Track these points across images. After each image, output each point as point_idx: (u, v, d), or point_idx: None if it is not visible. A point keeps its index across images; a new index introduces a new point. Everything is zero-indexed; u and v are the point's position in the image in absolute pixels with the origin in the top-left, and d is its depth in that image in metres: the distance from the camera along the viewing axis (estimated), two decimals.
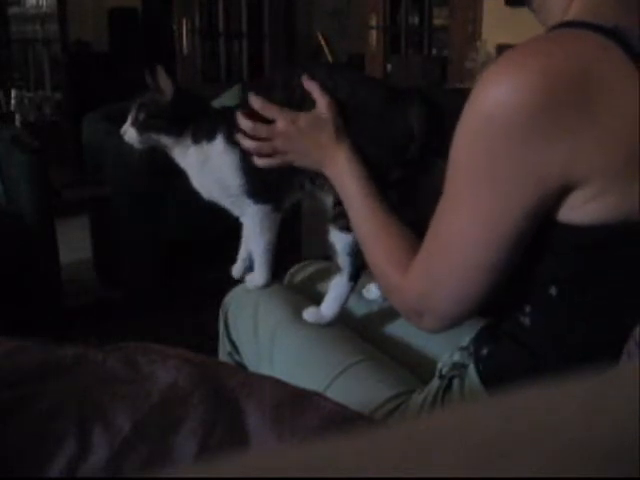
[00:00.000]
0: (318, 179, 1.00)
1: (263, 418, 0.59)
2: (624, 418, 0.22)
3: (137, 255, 2.56)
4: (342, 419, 0.60)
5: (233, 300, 1.16)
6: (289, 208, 1.11)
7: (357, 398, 0.90)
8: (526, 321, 0.78)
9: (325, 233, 1.03)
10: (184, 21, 4.65)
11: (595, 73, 0.64)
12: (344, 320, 1.06)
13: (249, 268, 1.15)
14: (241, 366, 1.14)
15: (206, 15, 5.02)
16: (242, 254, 1.16)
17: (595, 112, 0.63)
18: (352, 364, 0.95)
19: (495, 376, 0.81)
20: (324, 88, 0.96)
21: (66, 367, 0.62)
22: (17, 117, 3.41)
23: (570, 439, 0.21)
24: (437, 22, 4.77)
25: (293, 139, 0.96)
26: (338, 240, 1.01)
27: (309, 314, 1.04)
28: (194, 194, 1.10)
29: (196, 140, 1.05)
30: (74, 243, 2.77)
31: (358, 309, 1.11)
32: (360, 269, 1.01)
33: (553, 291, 0.74)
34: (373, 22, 4.66)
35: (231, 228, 1.14)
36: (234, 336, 1.15)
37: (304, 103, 0.96)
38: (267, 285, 1.12)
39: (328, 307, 1.04)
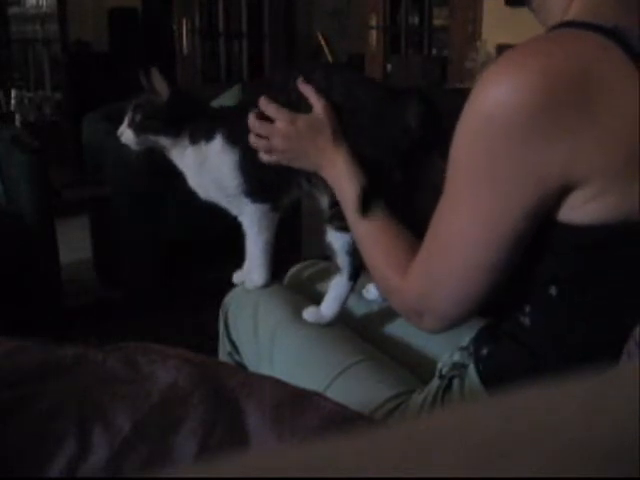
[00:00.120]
0: (314, 178, 1.01)
1: (263, 418, 0.59)
2: (624, 418, 0.22)
3: (137, 255, 2.56)
4: (342, 419, 0.60)
5: (233, 300, 1.16)
6: (288, 207, 1.11)
7: (357, 398, 0.90)
8: (526, 321, 0.77)
9: (324, 233, 1.03)
10: (184, 21, 4.66)
11: (595, 73, 0.64)
12: (344, 320, 1.06)
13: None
14: (241, 366, 1.14)
15: (206, 15, 5.02)
16: (248, 264, 1.15)
17: (595, 112, 0.63)
18: (352, 364, 0.95)
19: (495, 376, 0.81)
20: (320, 91, 0.96)
21: (66, 367, 0.62)
22: (17, 117, 3.41)
23: (570, 439, 0.21)
24: (437, 22, 4.77)
25: (291, 139, 0.96)
26: (336, 240, 1.01)
27: (309, 314, 1.04)
28: (194, 194, 1.10)
29: (194, 140, 1.05)
30: (74, 243, 2.77)
31: (358, 309, 1.11)
32: (359, 268, 1.01)
33: (553, 291, 0.74)
34: (373, 22, 4.66)
35: (231, 228, 1.14)
36: (234, 336, 1.15)
37: (301, 106, 0.97)
38: (266, 285, 1.12)
39: (328, 307, 1.04)
